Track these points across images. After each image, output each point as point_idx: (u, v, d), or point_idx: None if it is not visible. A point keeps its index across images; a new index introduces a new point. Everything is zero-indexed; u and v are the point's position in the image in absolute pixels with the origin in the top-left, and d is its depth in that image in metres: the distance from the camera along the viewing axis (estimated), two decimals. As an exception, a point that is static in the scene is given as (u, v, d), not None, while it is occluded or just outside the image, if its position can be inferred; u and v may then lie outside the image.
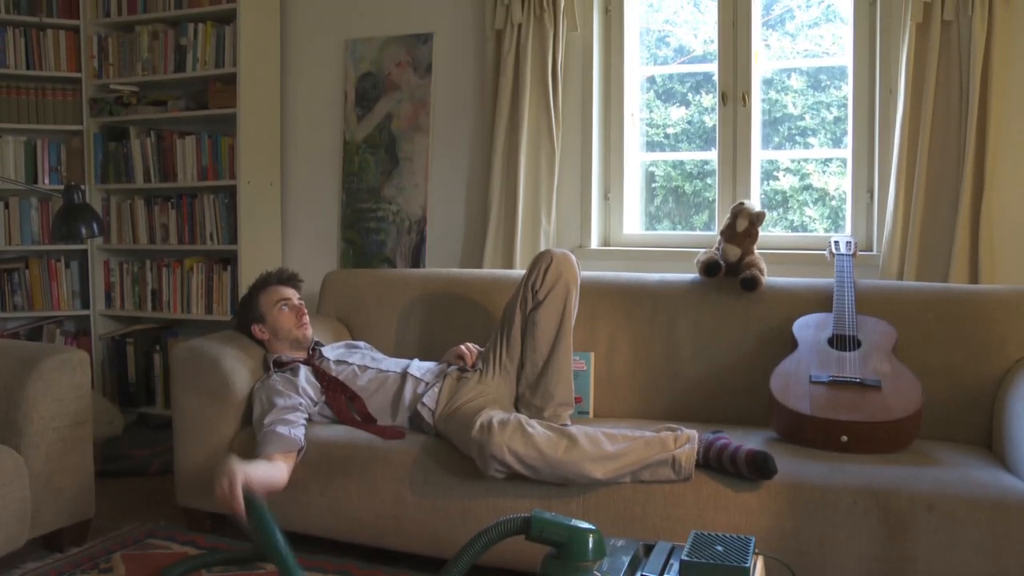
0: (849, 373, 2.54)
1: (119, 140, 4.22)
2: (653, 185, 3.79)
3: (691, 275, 3.11)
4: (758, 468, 2.25)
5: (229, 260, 4.07)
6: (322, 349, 3.01)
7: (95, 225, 2.99)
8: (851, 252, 2.96)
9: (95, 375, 4.17)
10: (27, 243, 4.22)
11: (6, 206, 4.19)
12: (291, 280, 3.12)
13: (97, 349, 4.25)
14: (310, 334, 3.02)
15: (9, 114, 4.11)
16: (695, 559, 1.81)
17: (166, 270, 4.21)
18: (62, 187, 2.98)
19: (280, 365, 2.91)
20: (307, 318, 3.02)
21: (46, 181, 4.22)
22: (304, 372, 2.85)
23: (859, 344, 2.64)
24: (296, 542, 2.78)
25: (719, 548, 1.85)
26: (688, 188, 3.73)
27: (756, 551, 1.93)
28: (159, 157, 4.16)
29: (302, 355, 2.97)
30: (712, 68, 3.53)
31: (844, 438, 2.41)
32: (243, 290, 3.94)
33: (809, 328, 2.76)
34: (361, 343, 3.18)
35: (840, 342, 2.66)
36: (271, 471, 2.46)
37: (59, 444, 2.67)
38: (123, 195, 4.30)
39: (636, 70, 3.69)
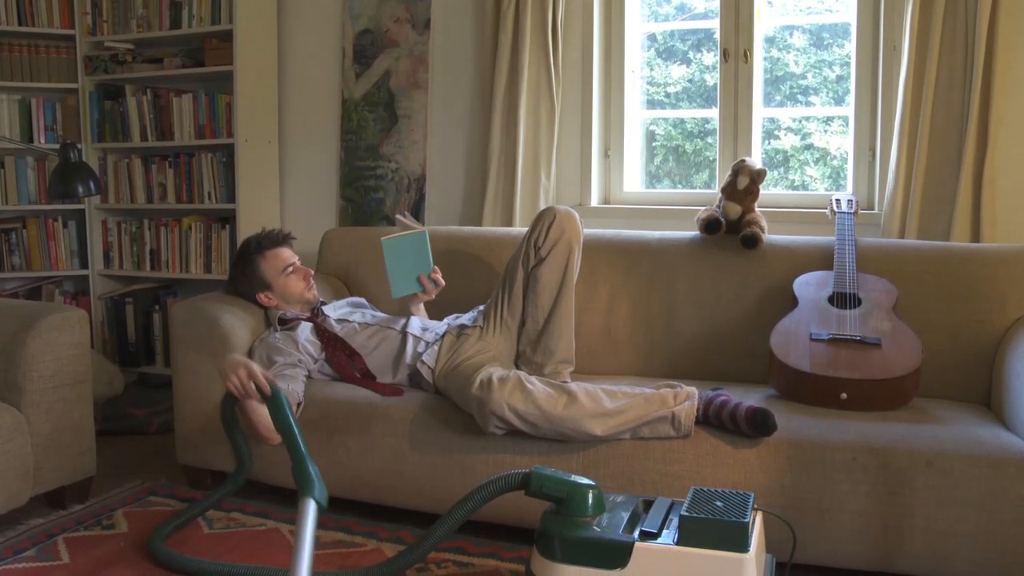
0: (849, 331, 2.54)
1: (115, 98, 4.19)
2: (653, 144, 3.76)
3: (691, 233, 3.09)
4: (758, 425, 2.26)
5: (228, 219, 4.05)
6: (324, 307, 3.01)
7: (92, 183, 2.97)
8: (852, 210, 2.95)
9: (95, 335, 4.18)
10: (24, 203, 4.20)
11: (2, 165, 4.16)
12: (287, 240, 3.08)
13: (96, 309, 4.25)
14: (317, 294, 3.02)
15: (1, 72, 4.07)
16: (695, 514, 1.83)
17: (164, 229, 4.20)
18: (58, 146, 2.95)
19: (283, 322, 2.91)
20: (312, 279, 3.02)
21: (42, 140, 4.19)
22: (306, 330, 2.85)
23: (859, 302, 2.64)
24: (295, 496, 2.80)
25: (718, 503, 1.86)
26: (688, 147, 3.70)
27: (755, 507, 1.94)
28: (156, 115, 4.12)
29: (306, 312, 2.97)
30: (714, 25, 3.49)
31: (843, 395, 2.41)
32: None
33: (809, 286, 2.75)
34: (363, 301, 3.18)
35: (840, 300, 2.66)
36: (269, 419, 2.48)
37: (59, 402, 2.68)
38: (120, 154, 4.27)
39: (637, 26, 3.65)
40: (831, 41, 3.45)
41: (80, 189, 2.94)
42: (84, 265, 4.28)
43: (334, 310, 3.01)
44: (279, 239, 3.05)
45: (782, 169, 3.56)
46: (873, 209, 3.23)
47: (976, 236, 2.97)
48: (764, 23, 3.44)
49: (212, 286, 3.85)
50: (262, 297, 2.98)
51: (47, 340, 2.65)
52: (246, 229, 3.91)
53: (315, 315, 2.96)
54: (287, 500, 2.79)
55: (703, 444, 2.31)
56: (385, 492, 2.62)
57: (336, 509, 2.72)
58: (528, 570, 1.97)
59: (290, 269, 2.98)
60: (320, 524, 2.61)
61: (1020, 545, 2.08)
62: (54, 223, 4.24)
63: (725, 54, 3.40)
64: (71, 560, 2.39)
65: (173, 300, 4.19)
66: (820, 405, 2.44)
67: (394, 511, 2.66)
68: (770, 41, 3.50)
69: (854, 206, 2.97)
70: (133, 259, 4.28)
